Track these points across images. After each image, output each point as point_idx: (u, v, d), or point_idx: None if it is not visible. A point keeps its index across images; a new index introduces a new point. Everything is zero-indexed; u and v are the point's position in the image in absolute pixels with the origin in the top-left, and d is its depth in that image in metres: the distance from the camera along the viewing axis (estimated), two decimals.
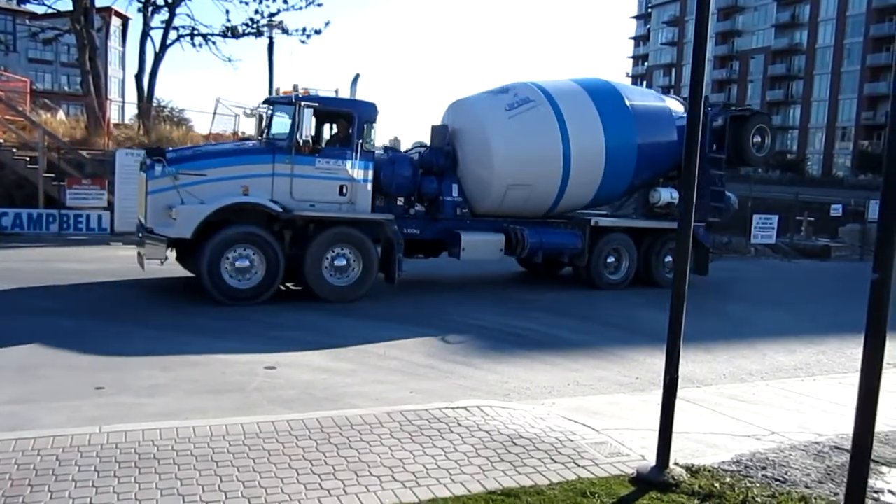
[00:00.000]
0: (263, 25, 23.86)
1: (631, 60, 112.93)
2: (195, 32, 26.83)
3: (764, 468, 5.55)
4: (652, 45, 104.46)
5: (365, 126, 12.29)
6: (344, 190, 12.10)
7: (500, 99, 14.14)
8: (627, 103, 14.82)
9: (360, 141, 12.18)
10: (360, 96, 12.63)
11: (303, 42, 21.36)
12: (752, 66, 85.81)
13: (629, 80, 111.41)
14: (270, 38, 22.59)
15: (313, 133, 12.04)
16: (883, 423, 6.82)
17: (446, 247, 13.83)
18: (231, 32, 25.48)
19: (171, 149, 13.07)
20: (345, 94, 12.65)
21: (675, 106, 15.84)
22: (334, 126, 12.69)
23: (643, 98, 15.75)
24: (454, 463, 5.20)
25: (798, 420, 6.93)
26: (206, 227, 11.10)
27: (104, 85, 27.81)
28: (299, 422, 5.79)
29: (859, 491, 3.82)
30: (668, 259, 15.18)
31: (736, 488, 4.97)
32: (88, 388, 6.87)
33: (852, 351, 9.98)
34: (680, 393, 7.29)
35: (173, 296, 11.82)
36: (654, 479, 5.00)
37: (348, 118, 12.25)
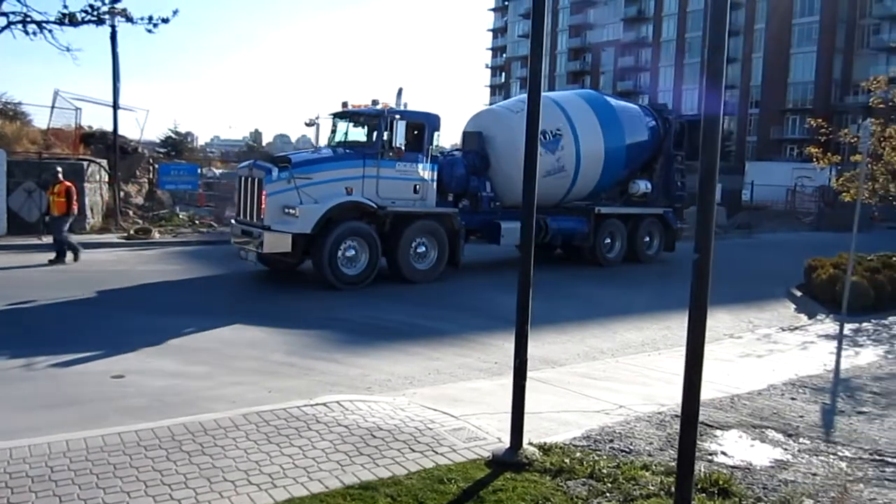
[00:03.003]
0: (104, 13, 22.34)
1: (490, 52, 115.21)
2: (28, 19, 24.72)
3: (611, 441, 5.84)
4: (510, 37, 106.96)
5: (433, 134, 14.52)
6: (417, 189, 14.18)
7: (523, 108, 15.54)
8: (617, 112, 18.05)
9: (430, 147, 14.41)
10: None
11: (149, 31, 20.15)
12: (604, 58, 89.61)
13: (489, 72, 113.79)
14: (113, 27, 21.18)
15: (404, 141, 13.71)
16: (717, 390, 7.40)
17: (485, 234, 15.99)
18: (69, 20, 23.69)
19: (287, 154, 14.67)
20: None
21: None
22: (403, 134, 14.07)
23: (625, 107, 19.18)
24: (312, 461, 5.14)
25: (644, 392, 7.34)
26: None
27: None
28: (148, 431, 5.52)
29: (690, 453, 4.08)
30: (647, 239, 18.74)
31: (584, 462, 5.20)
32: None
33: None
34: (535, 374, 7.58)
35: (4, 305, 10.96)
36: (509, 460, 5.16)
37: (421, 127, 14.28)
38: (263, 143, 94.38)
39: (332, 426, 5.77)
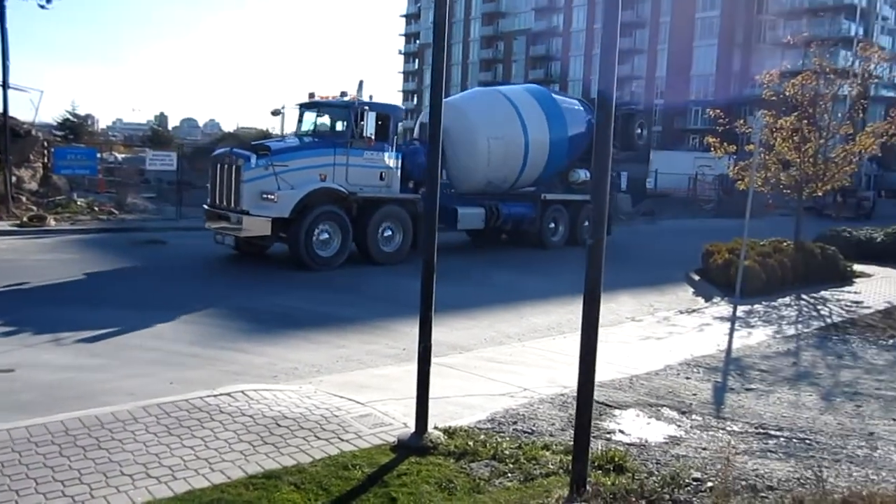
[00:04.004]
0: None
1: (403, 38, 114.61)
2: None
3: (515, 423, 5.99)
4: (423, 23, 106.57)
5: (398, 125, 15.61)
6: (383, 176, 15.02)
7: (477, 101, 18.62)
8: (560, 107, 19.28)
9: (395, 137, 15.34)
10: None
11: (42, 7, 19.17)
12: (516, 47, 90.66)
13: (402, 58, 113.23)
14: (1, 2, 20.01)
15: (372, 131, 14.55)
16: (617, 371, 7.67)
17: (442, 220, 16.30)
18: None
19: (264, 142, 15.50)
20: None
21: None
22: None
23: (567, 101, 20.59)
24: (214, 451, 5.06)
25: (548, 375, 7.54)
26: None
27: None
28: (40, 427, 5.29)
29: (585, 432, 4.24)
30: (587, 224, 18.48)
31: (488, 444, 5.31)
32: None
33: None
34: (443, 360, 7.68)
35: None
36: (414, 445, 5.22)
37: (387, 118, 15.11)
38: (170, 127, 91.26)
39: (237, 416, 5.69)
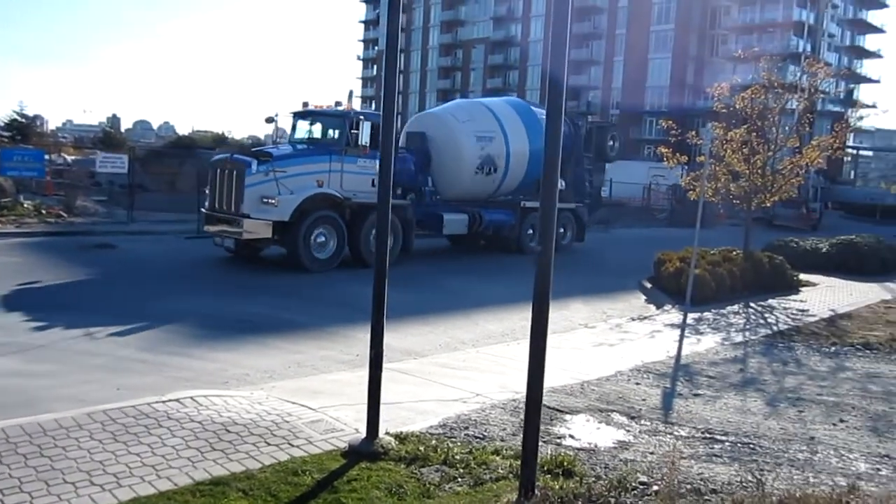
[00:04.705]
0: None
1: (362, 44, 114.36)
2: None
3: (467, 428, 6.02)
4: (381, 29, 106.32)
5: None
6: (374, 183, 15.57)
7: (462, 112, 19.43)
8: (538, 118, 19.21)
9: None
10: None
11: None
12: (474, 55, 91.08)
13: (360, 64, 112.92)
14: None
15: (367, 140, 15.14)
16: (569, 377, 7.76)
17: (428, 225, 17.38)
18: None
19: (265, 149, 16.02)
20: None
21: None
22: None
23: (545, 114, 20.11)
24: (161, 458, 4.98)
25: (500, 381, 7.59)
26: None
27: None
28: None
29: (534, 437, 4.30)
30: (562, 230, 20.60)
31: (439, 449, 5.33)
32: None
33: (551, 315, 11.11)
34: (397, 365, 7.70)
35: None
36: (365, 450, 5.22)
37: (379, 128, 13.94)
38: (122, 130, 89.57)
39: (185, 422, 5.61)
